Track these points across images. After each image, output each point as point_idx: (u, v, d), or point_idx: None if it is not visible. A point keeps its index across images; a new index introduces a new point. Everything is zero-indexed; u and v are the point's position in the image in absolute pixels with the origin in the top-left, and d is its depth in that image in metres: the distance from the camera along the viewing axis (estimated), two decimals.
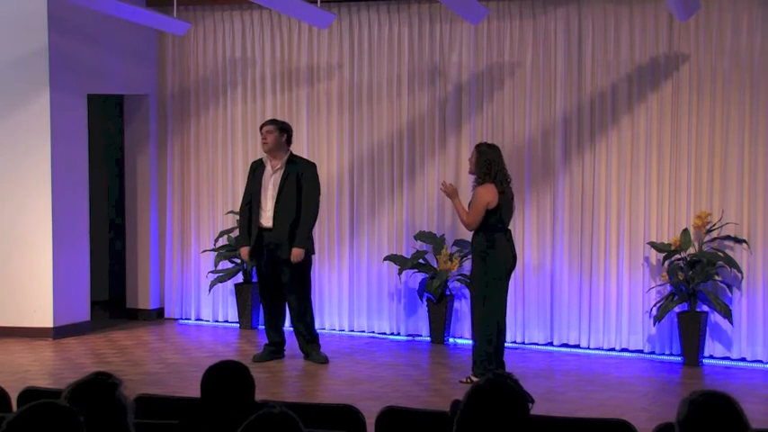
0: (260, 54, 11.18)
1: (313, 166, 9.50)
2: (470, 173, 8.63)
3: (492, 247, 8.39)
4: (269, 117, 10.71)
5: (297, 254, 9.15)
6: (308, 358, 9.44)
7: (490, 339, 8.43)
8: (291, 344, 9.60)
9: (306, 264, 9.35)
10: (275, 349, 9.51)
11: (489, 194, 8.34)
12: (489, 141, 9.37)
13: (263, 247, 9.30)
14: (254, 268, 10.34)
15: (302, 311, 9.39)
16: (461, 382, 8.52)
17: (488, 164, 8.41)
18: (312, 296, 9.61)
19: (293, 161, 9.32)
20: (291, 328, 9.69)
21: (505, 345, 8.73)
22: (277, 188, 9.23)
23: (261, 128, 9.45)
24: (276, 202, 9.22)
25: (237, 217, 10.74)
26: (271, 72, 11.14)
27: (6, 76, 10.45)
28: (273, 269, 9.34)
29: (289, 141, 9.38)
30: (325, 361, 9.37)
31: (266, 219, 9.28)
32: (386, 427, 4.96)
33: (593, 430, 5.09)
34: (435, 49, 10.50)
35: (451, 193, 8.62)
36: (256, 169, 9.42)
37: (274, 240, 9.23)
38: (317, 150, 10.77)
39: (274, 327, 9.55)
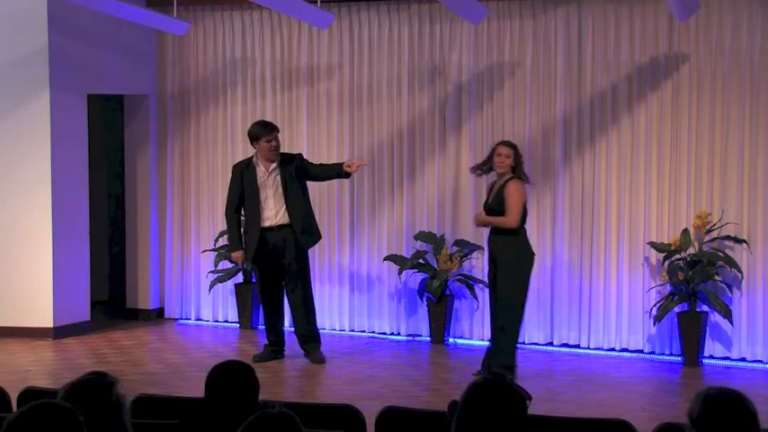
0: (260, 54, 11.19)
1: (300, 154, 9.58)
2: (499, 170, 8.54)
3: (524, 248, 8.49)
4: (269, 117, 10.72)
5: (354, 164, 9.22)
6: (307, 356, 9.44)
7: (515, 347, 8.57)
8: (291, 344, 9.60)
9: (308, 258, 9.42)
10: (276, 349, 9.52)
11: (524, 190, 8.49)
12: (489, 141, 9.57)
13: (267, 248, 9.29)
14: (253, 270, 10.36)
15: (307, 308, 9.41)
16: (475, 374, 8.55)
17: (521, 160, 8.55)
18: (312, 293, 9.62)
19: (283, 158, 9.35)
20: (291, 328, 9.69)
21: None
22: (281, 186, 9.24)
23: (271, 137, 9.24)
24: (286, 199, 9.23)
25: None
26: (271, 72, 11.15)
27: (6, 76, 10.46)
28: (275, 269, 9.34)
29: None
30: (322, 361, 9.37)
31: (269, 219, 9.27)
32: (386, 427, 4.96)
33: (593, 430, 5.09)
34: (435, 49, 10.51)
35: (484, 220, 8.59)
36: (244, 171, 9.36)
37: (285, 236, 9.23)
38: (317, 150, 10.77)
39: (275, 327, 9.55)
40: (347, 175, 9.31)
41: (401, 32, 10.63)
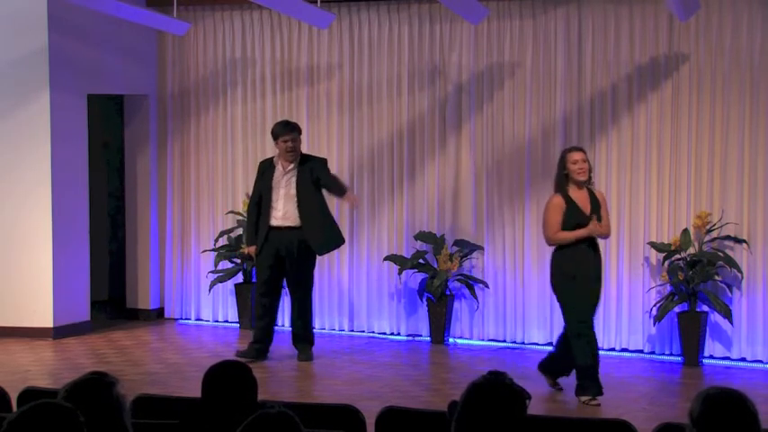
0: (260, 54, 11.18)
1: (324, 160, 9.55)
2: (583, 178, 8.01)
3: None
4: (269, 117, 10.72)
5: (352, 198, 9.47)
6: (298, 354, 9.47)
7: None
8: (290, 344, 9.59)
9: (314, 262, 9.42)
10: (259, 347, 9.41)
11: None
12: (489, 141, 9.53)
13: (272, 248, 9.29)
14: (254, 268, 10.35)
15: (305, 309, 9.42)
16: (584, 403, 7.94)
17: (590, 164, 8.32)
18: (312, 295, 9.63)
19: (304, 160, 9.34)
20: (290, 328, 9.69)
21: (510, 346, 8.73)
22: (293, 188, 9.24)
23: (288, 137, 9.23)
24: (298, 202, 9.22)
25: (239, 217, 10.76)
26: (271, 72, 11.14)
27: (6, 76, 10.46)
28: (277, 269, 9.34)
29: None
30: (308, 359, 9.40)
31: (277, 219, 9.28)
32: (386, 427, 4.96)
33: (593, 430, 5.09)
34: (435, 49, 10.50)
35: (604, 231, 8.14)
36: (266, 170, 9.40)
37: (291, 239, 9.21)
38: (316, 150, 10.74)
39: (267, 327, 9.49)
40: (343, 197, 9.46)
41: (401, 32, 10.63)
